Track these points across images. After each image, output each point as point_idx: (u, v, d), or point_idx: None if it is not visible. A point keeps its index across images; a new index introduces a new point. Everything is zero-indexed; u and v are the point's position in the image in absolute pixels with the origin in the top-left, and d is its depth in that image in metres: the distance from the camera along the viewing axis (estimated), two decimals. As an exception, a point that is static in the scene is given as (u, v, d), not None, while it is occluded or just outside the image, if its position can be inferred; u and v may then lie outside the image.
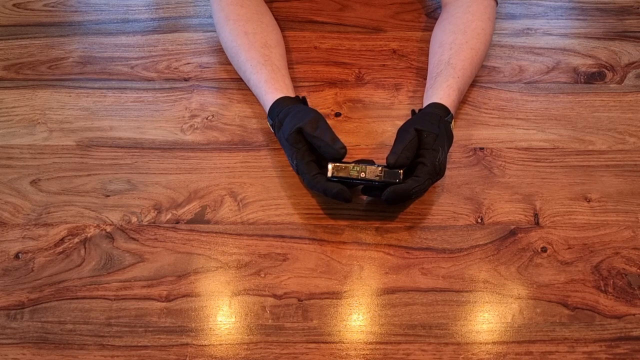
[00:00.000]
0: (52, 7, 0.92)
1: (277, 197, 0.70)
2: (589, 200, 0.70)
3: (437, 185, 0.71)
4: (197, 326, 0.61)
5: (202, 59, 0.85)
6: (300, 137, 0.66)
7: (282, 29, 0.84)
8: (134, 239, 0.67)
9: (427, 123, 0.67)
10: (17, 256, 0.65)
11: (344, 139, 0.75)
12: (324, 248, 0.66)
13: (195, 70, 0.83)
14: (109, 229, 0.67)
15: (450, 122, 0.69)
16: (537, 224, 0.68)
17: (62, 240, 0.67)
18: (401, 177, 0.64)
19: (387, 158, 0.64)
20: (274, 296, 0.63)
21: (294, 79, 0.81)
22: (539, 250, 0.66)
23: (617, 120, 0.78)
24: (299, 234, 0.67)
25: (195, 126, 0.77)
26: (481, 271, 0.64)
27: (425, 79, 0.80)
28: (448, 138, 0.68)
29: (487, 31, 0.78)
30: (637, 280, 0.64)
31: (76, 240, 0.67)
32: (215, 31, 0.83)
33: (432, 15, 0.91)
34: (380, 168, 0.65)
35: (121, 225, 0.68)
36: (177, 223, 0.68)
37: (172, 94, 0.81)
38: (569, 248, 0.66)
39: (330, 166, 0.65)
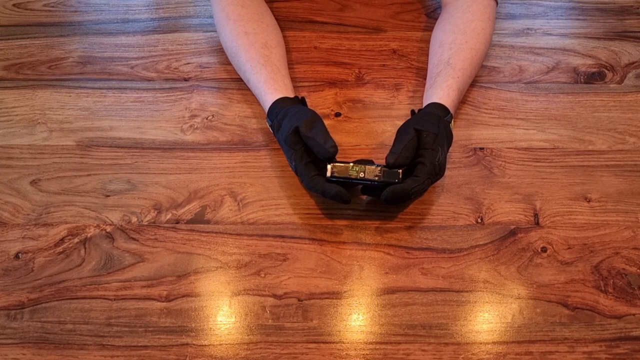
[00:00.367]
0: (52, 7, 0.92)
1: (277, 197, 0.70)
2: (589, 200, 0.70)
3: (437, 185, 0.71)
4: (197, 326, 0.61)
5: (202, 59, 0.85)
6: (298, 138, 0.66)
7: (282, 29, 0.84)
8: (134, 239, 0.67)
9: (427, 123, 0.67)
10: (17, 256, 0.65)
11: (344, 139, 0.75)
12: (324, 248, 0.66)
13: (195, 70, 0.83)
14: (109, 229, 0.68)
15: (450, 122, 0.69)
16: (537, 224, 0.68)
17: (62, 240, 0.67)
18: (400, 177, 0.64)
19: (386, 158, 0.64)
20: (274, 296, 0.63)
21: (294, 79, 0.81)
22: (539, 250, 0.66)
23: (617, 120, 0.78)
24: (299, 234, 0.67)
25: (195, 126, 0.77)
26: (481, 271, 0.64)
27: (425, 79, 0.80)
28: (448, 138, 0.68)
29: (486, 31, 0.78)
30: (637, 280, 0.64)
31: (76, 240, 0.67)
32: (215, 31, 0.83)
33: (432, 15, 0.91)
34: (379, 168, 0.65)
35: (121, 225, 0.68)
36: (177, 223, 0.68)
37: (172, 94, 0.81)
38: (569, 248, 0.66)
39: (329, 166, 0.65)
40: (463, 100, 0.79)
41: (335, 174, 0.65)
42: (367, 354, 0.59)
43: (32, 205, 0.69)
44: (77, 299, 0.62)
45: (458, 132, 0.75)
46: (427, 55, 0.82)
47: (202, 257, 0.65)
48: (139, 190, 0.71)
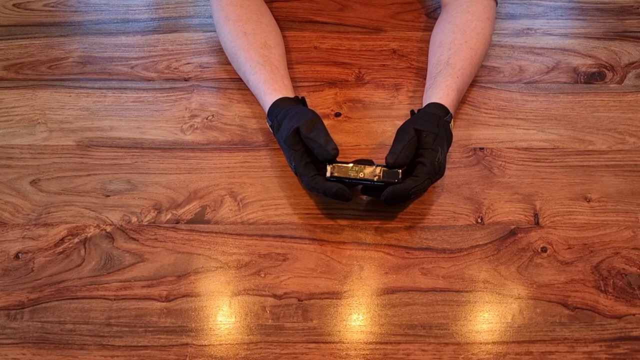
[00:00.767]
0: (52, 7, 0.92)
1: (277, 197, 0.70)
2: (589, 200, 0.70)
3: (437, 185, 0.71)
4: (197, 326, 0.61)
5: (202, 59, 0.85)
6: (298, 138, 0.66)
7: (282, 29, 0.84)
8: (134, 239, 0.67)
9: (426, 123, 0.67)
10: (17, 256, 0.65)
11: (344, 139, 0.75)
12: (324, 248, 0.66)
13: (195, 70, 0.83)
14: (109, 229, 0.68)
15: (450, 122, 0.69)
16: (537, 224, 0.68)
17: (62, 240, 0.67)
18: (400, 177, 0.64)
19: (386, 158, 0.64)
20: (274, 296, 0.63)
21: (293, 79, 0.81)
22: (539, 250, 0.66)
23: (617, 120, 0.78)
24: (299, 234, 0.67)
25: (195, 126, 0.77)
26: (481, 271, 0.64)
27: (425, 79, 0.80)
28: (447, 138, 0.68)
29: (486, 31, 0.78)
30: (637, 280, 0.64)
31: (76, 240, 0.67)
32: (215, 31, 0.83)
33: (432, 15, 0.91)
34: (379, 168, 0.65)
35: (121, 225, 0.68)
36: (177, 223, 0.68)
37: (172, 94, 0.81)
38: (569, 248, 0.66)
39: (328, 167, 0.65)
40: (463, 100, 0.79)
41: (335, 174, 0.65)
42: (367, 354, 0.59)
43: (32, 205, 0.69)
44: (77, 299, 0.62)
45: (458, 132, 0.75)
46: (427, 55, 0.82)
47: (202, 257, 0.65)
48: (139, 190, 0.71)
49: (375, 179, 0.64)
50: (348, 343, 0.60)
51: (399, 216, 0.68)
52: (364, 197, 0.69)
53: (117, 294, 0.62)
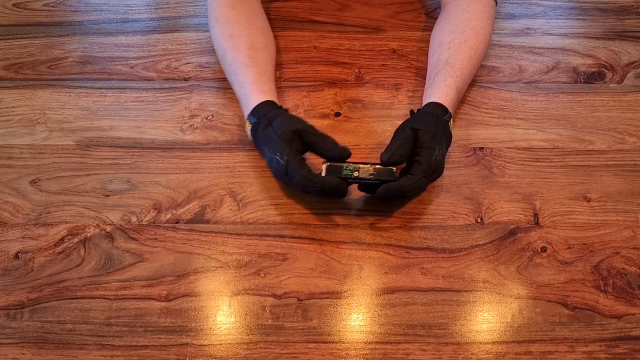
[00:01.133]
0: (52, 7, 0.92)
1: (277, 197, 0.70)
2: (589, 200, 0.70)
3: (436, 185, 0.71)
4: (197, 326, 0.61)
5: (202, 59, 0.85)
6: (296, 137, 0.66)
7: (282, 29, 0.84)
8: (134, 239, 0.67)
9: (424, 122, 0.67)
10: (17, 256, 0.65)
11: (344, 138, 0.75)
12: (324, 248, 0.66)
13: (195, 70, 0.83)
14: (109, 229, 0.68)
15: (449, 122, 0.69)
16: (537, 224, 0.68)
17: (62, 240, 0.67)
18: (395, 175, 0.64)
19: (381, 156, 0.65)
20: (274, 296, 0.63)
21: (294, 79, 0.81)
22: (539, 250, 0.66)
23: (617, 120, 0.78)
24: (299, 234, 0.67)
25: (195, 126, 0.77)
26: (481, 271, 0.64)
27: (425, 78, 0.80)
28: (446, 137, 0.68)
29: (486, 30, 0.78)
30: (637, 280, 0.64)
31: (76, 240, 0.67)
32: (215, 31, 0.83)
33: (432, 15, 0.91)
34: (373, 167, 0.65)
35: (121, 225, 0.68)
36: (177, 223, 0.68)
37: (172, 94, 0.81)
38: (569, 248, 0.66)
39: (324, 166, 0.65)
40: (463, 100, 0.79)
41: (331, 174, 0.64)
42: (367, 354, 0.59)
43: (32, 205, 0.69)
44: (77, 299, 0.62)
45: (458, 132, 0.75)
46: (427, 55, 0.82)
47: (202, 257, 0.65)
48: (139, 190, 0.71)
49: (370, 177, 0.64)
50: (348, 343, 0.60)
51: (399, 216, 0.68)
52: (364, 194, 0.69)
53: (117, 294, 0.62)
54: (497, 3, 0.82)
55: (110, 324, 0.60)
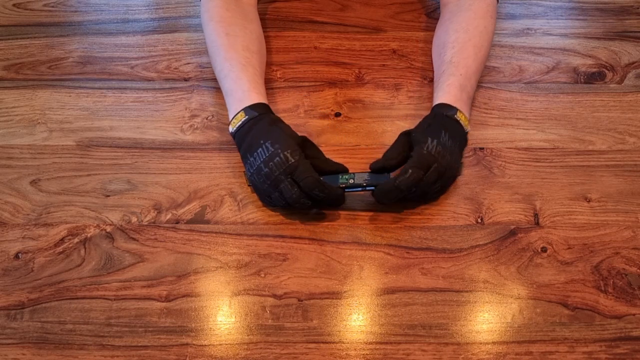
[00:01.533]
0: (52, 7, 0.92)
1: (277, 197, 0.70)
2: (589, 200, 0.70)
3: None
4: (197, 326, 0.61)
5: (202, 59, 0.85)
6: (303, 144, 0.67)
7: (282, 29, 0.84)
8: (134, 239, 0.67)
9: (419, 124, 0.67)
10: (17, 256, 0.65)
11: (344, 139, 0.75)
12: (324, 248, 0.66)
13: (195, 70, 0.83)
14: (109, 229, 0.68)
15: (454, 114, 0.69)
16: (537, 224, 0.68)
17: (62, 240, 0.67)
18: (389, 178, 0.65)
19: (370, 165, 0.67)
20: (274, 296, 0.63)
21: (294, 79, 0.81)
22: (539, 250, 0.66)
23: (617, 120, 0.78)
24: (299, 234, 0.67)
25: (195, 126, 0.77)
26: (481, 271, 0.64)
27: (426, 79, 0.80)
28: (447, 126, 0.67)
29: (489, 29, 0.77)
30: (637, 280, 0.63)
31: (76, 240, 0.67)
32: (215, 31, 0.83)
33: (432, 15, 0.91)
34: (367, 173, 0.66)
35: (121, 225, 0.68)
36: (177, 223, 0.68)
37: (172, 94, 0.81)
38: (569, 248, 0.66)
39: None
40: (463, 100, 0.78)
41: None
42: (367, 354, 0.59)
43: (32, 205, 0.69)
44: (77, 299, 0.62)
45: (458, 132, 0.75)
46: (427, 55, 0.82)
47: (202, 257, 0.65)
48: (139, 190, 0.71)
49: (364, 183, 0.66)
50: (348, 343, 0.60)
51: (399, 216, 0.68)
52: (362, 193, 0.69)
53: (117, 294, 0.62)
54: (498, 1, 0.82)
55: (110, 324, 0.60)
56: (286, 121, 0.72)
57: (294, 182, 0.64)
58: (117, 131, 0.76)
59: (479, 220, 0.68)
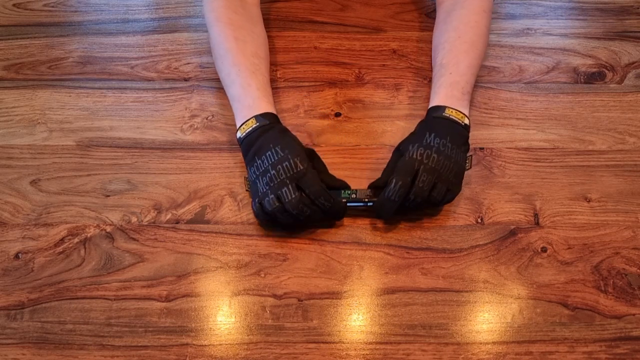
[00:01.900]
0: (52, 7, 0.92)
1: (277, 197, 0.70)
2: (589, 200, 0.70)
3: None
4: (197, 326, 0.61)
5: (202, 59, 0.85)
6: (311, 155, 0.67)
7: (282, 29, 0.84)
8: (134, 239, 0.67)
9: (408, 136, 0.68)
10: (17, 256, 0.65)
11: (344, 139, 0.75)
12: (324, 248, 0.66)
13: (195, 70, 0.83)
14: (109, 229, 0.68)
15: (442, 112, 0.68)
16: (537, 224, 0.68)
17: (62, 240, 0.67)
18: None
19: (368, 186, 0.67)
20: (274, 296, 0.63)
21: (294, 79, 0.81)
22: (539, 250, 0.66)
23: (617, 120, 0.78)
24: (299, 234, 0.67)
25: (195, 126, 0.77)
26: (481, 271, 0.64)
27: (426, 79, 0.80)
28: (433, 128, 0.66)
29: (480, 23, 0.76)
30: (637, 280, 0.64)
31: (76, 240, 0.67)
32: (215, 31, 0.83)
33: (432, 15, 0.90)
34: (370, 189, 0.67)
35: (121, 225, 0.68)
36: (177, 223, 0.68)
37: (172, 94, 0.81)
38: (569, 248, 0.66)
39: None
40: (463, 100, 0.78)
41: None
42: (367, 354, 0.59)
43: (32, 205, 0.69)
44: (77, 299, 0.62)
45: (458, 132, 0.75)
46: (427, 55, 0.82)
47: (202, 257, 0.65)
48: (139, 190, 0.71)
49: (367, 198, 0.66)
50: (348, 343, 0.60)
51: (399, 216, 0.68)
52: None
53: (117, 294, 0.63)
54: None
55: (110, 324, 0.60)
56: (286, 121, 0.72)
57: (297, 189, 0.63)
58: (117, 131, 0.76)
59: (479, 220, 0.68)
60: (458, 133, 0.67)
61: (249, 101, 0.70)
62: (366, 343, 0.60)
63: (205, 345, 0.59)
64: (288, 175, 0.63)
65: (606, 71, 0.83)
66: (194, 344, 0.59)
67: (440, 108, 0.69)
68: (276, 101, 0.79)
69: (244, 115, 0.69)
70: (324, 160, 0.69)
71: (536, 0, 0.93)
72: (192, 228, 0.68)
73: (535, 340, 0.60)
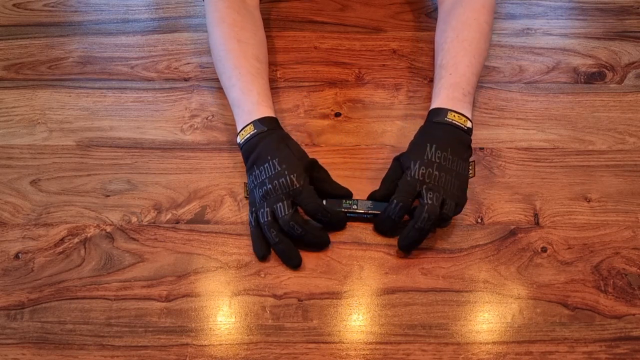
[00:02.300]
0: (52, 7, 0.92)
1: (277, 197, 0.70)
2: (589, 200, 0.70)
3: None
4: (197, 326, 0.61)
5: (202, 59, 0.85)
6: (311, 167, 0.66)
7: (282, 29, 0.84)
8: (134, 239, 0.67)
9: (409, 148, 0.67)
10: (17, 256, 0.65)
11: (344, 139, 0.75)
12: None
13: (195, 70, 0.83)
14: (109, 229, 0.68)
15: (444, 117, 0.68)
16: (537, 224, 0.68)
17: (62, 240, 0.67)
18: None
19: (368, 196, 0.67)
20: (274, 296, 0.63)
21: (294, 79, 0.81)
22: (539, 250, 0.66)
23: (617, 120, 0.78)
24: (299, 234, 0.67)
25: (195, 126, 0.77)
26: (481, 271, 0.64)
27: (426, 79, 0.80)
28: (434, 137, 0.66)
29: (479, 20, 0.75)
30: (637, 280, 0.64)
31: (76, 240, 0.67)
32: (215, 31, 0.83)
33: (432, 15, 0.91)
34: (370, 201, 0.67)
35: (121, 225, 0.68)
36: (177, 223, 0.68)
37: (172, 94, 0.81)
38: (569, 248, 0.66)
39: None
40: (463, 100, 0.78)
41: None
42: (367, 354, 0.59)
43: (32, 205, 0.69)
44: (77, 299, 0.62)
45: (458, 132, 0.75)
46: (427, 55, 0.82)
47: (202, 257, 0.65)
48: (139, 190, 0.71)
49: (368, 210, 0.66)
50: (348, 343, 0.60)
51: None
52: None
53: (117, 294, 0.63)
54: None
55: (110, 324, 0.60)
56: (286, 121, 0.72)
57: (291, 205, 0.63)
58: (117, 131, 0.76)
59: (479, 220, 0.68)
60: (460, 141, 0.67)
61: (248, 106, 0.70)
62: (366, 343, 0.60)
63: (205, 345, 0.59)
64: (284, 192, 0.63)
65: (606, 71, 0.83)
66: (194, 344, 0.59)
67: (441, 112, 0.68)
68: (276, 101, 0.79)
69: (244, 120, 0.69)
70: (324, 161, 0.68)
71: (536, 0, 0.93)
72: (192, 228, 0.68)
73: (535, 340, 0.60)
